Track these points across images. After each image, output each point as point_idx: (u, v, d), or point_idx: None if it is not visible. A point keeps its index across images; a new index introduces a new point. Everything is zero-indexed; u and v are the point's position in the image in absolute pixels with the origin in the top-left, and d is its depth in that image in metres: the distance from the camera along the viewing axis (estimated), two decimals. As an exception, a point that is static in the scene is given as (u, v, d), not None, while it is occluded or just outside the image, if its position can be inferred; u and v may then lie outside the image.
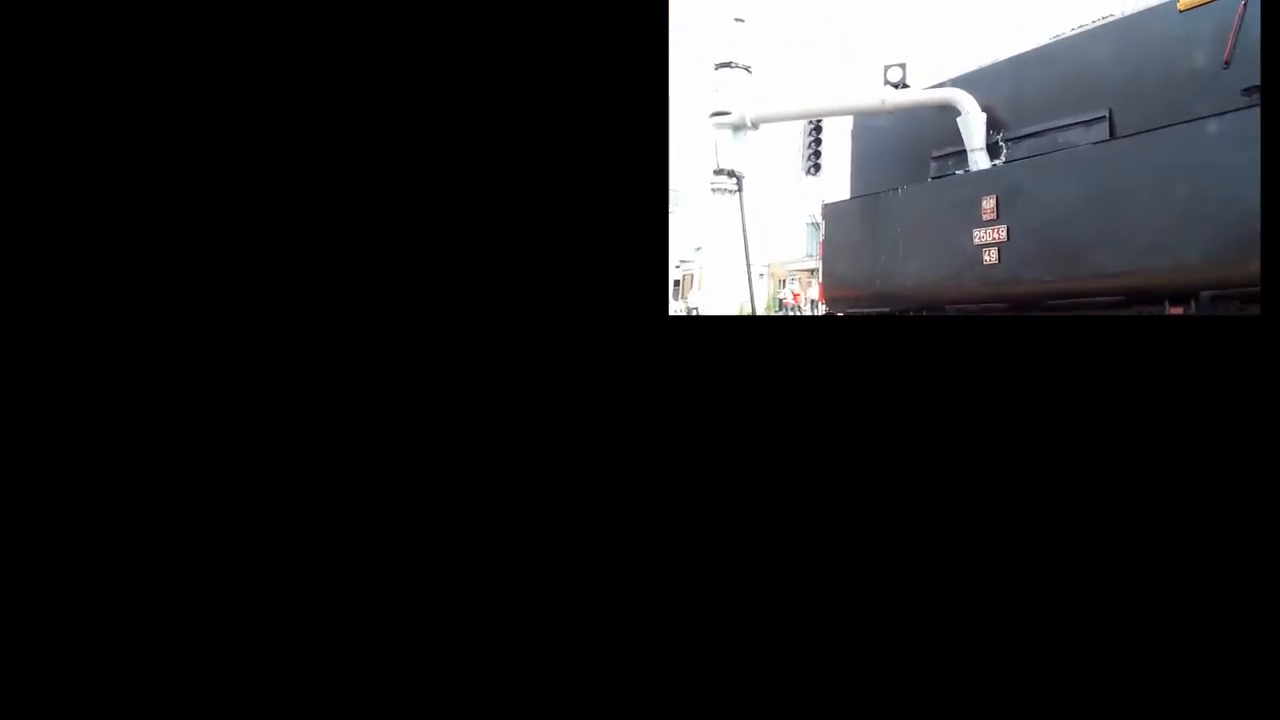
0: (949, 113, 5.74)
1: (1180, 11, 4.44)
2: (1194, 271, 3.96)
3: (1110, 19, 4.99)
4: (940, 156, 5.94)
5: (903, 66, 6.54)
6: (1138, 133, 4.42)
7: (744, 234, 8.44)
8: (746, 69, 8.59)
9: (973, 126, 5.57)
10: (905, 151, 6.34)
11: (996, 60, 5.80)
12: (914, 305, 5.57)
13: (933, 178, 5.94)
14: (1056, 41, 5.35)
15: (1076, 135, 4.98)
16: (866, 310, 5.97)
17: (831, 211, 6.61)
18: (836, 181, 7.49)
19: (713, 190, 8.58)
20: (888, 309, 5.82)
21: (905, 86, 6.51)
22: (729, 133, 8.25)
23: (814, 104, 8.30)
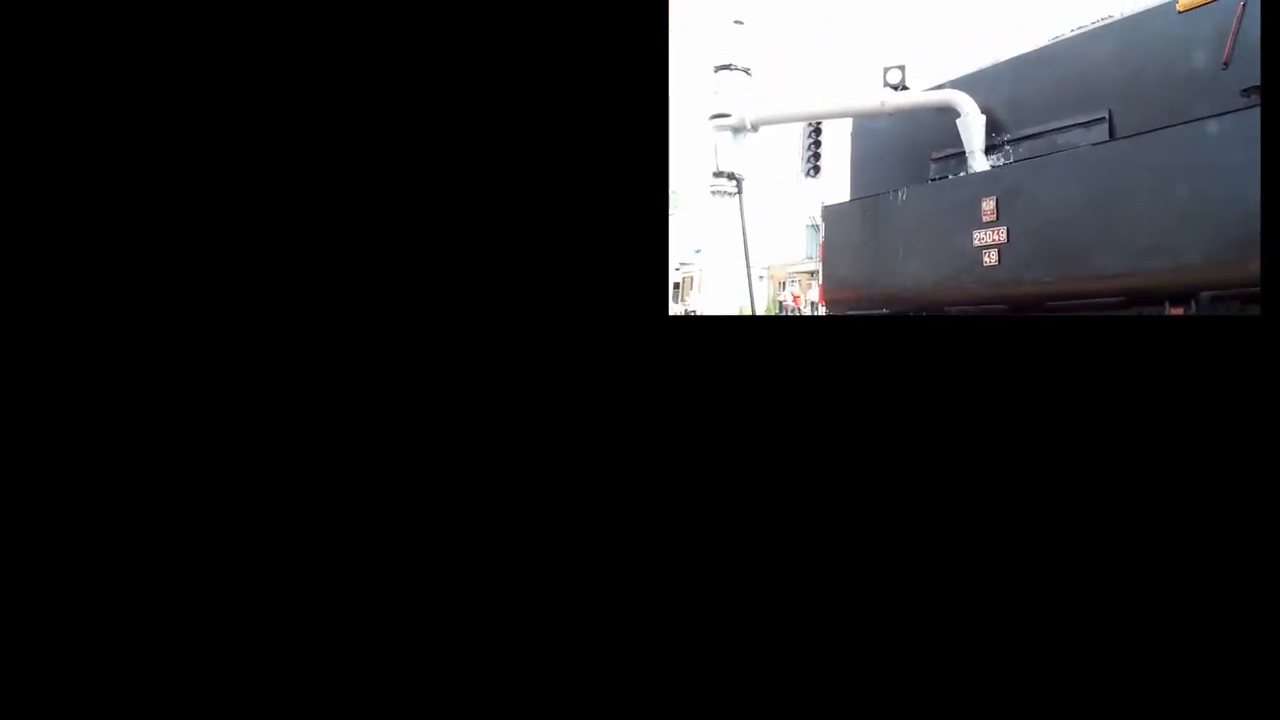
0: (948, 114, 5.75)
1: (1179, 12, 4.44)
2: (1194, 272, 3.96)
3: (1109, 20, 4.99)
4: (940, 158, 5.95)
5: (902, 68, 6.55)
6: (1137, 134, 4.43)
7: (744, 236, 8.43)
8: (746, 71, 8.60)
9: (972, 128, 5.57)
10: (905, 153, 6.34)
11: (996, 62, 5.80)
12: (914, 307, 5.57)
13: (932, 179, 5.94)
14: (1056, 43, 5.35)
15: (1076, 136, 4.98)
16: (867, 312, 5.96)
17: (831, 214, 6.61)
18: (836, 184, 7.50)
19: (712, 193, 8.58)
20: (888, 311, 5.82)
21: (905, 88, 6.51)
22: (729, 135, 8.25)
23: (814, 106, 8.30)
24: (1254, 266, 2.21)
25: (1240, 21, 4.06)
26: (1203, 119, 3.99)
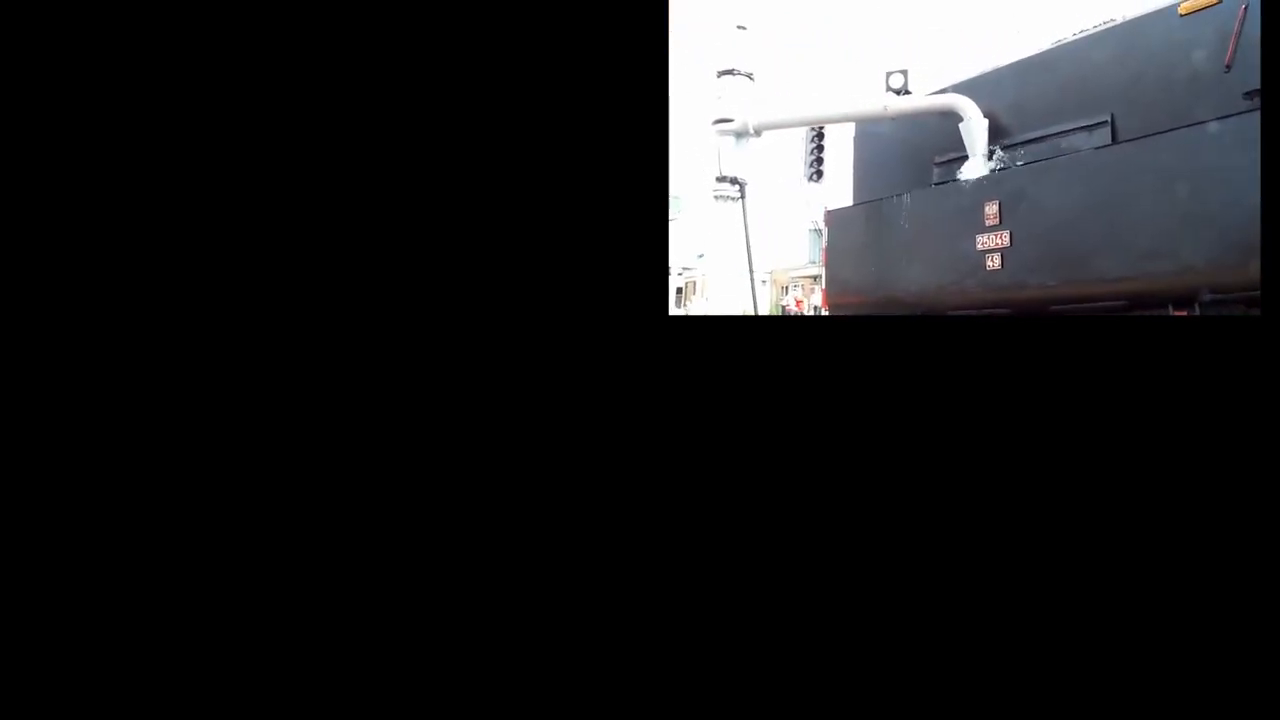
0: (951, 118, 5.75)
1: (1181, 16, 4.44)
2: (1197, 275, 3.95)
3: (1112, 24, 5.00)
4: (943, 162, 5.95)
5: (904, 73, 6.55)
6: (1140, 137, 4.43)
7: (746, 241, 8.43)
8: (749, 76, 8.60)
9: (975, 132, 5.57)
10: (908, 158, 6.35)
11: (998, 66, 5.81)
12: (917, 310, 5.57)
13: (935, 183, 5.94)
14: (1058, 47, 5.35)
15: (1079, 140, 4.98)
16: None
17: (834, 218, 6.62)
18: (839, 188, 7.50)
19: (715, 197, 8.58)
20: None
21: (907, 93, 6.52)
22: (731, 140, 8.25)
23: (817, 110, 8.30)
24: (1257, 269, 2.21)
25: (1242, 24, 4.06)
26: (1205, 122, 4.00)
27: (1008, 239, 4.87)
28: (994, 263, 4.94)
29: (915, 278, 5.60)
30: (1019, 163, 5.33)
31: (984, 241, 4.99)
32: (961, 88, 5.86)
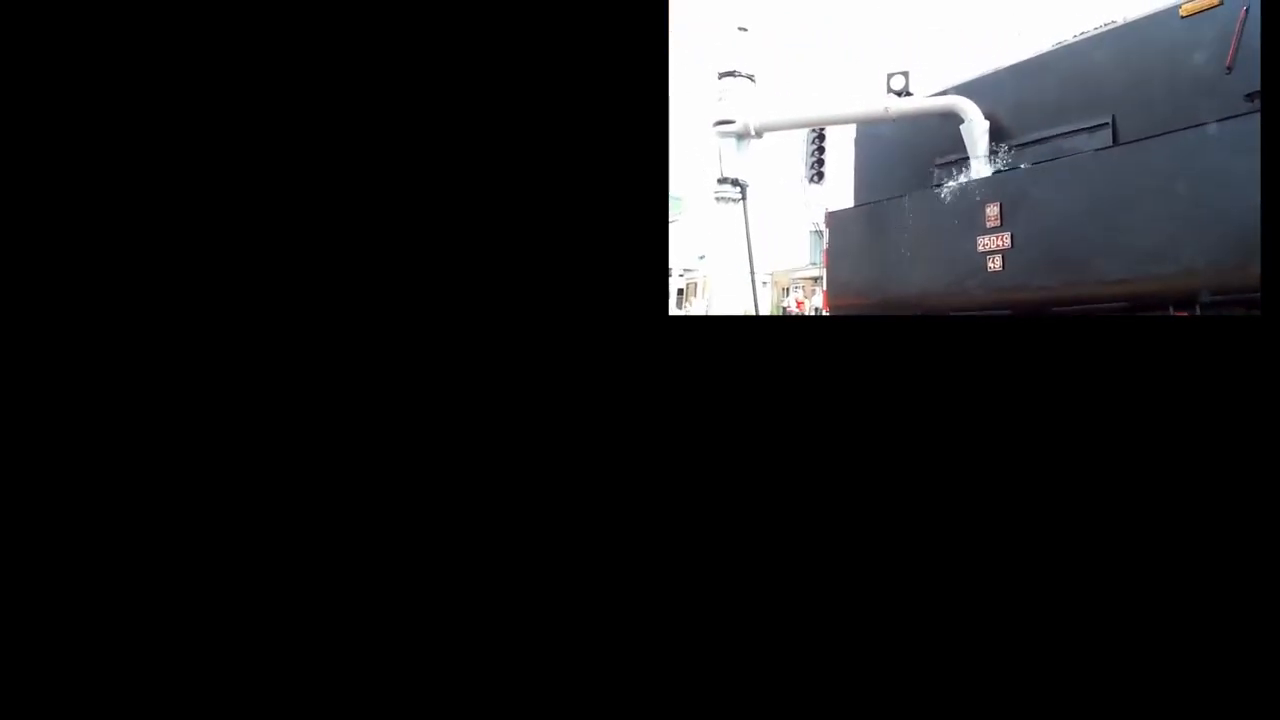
0: (952, 120, 5.75)
1: (1182, 17, 4.44)
2: (1198, 277, 3.95)
3: (1113, 25, 5.00)
4: (944, 164, 5.95)
5: (905, 74, 6.55)
6: (1141, 139, 4.43)
7: (748, 242, 8.44)
8: (750, 78, 8.60)
9: (976, 134, 5.57)
10: (909, 159, 6.35)
11: (1000, 67, 5.81)
12: (918, 312, 5.57)
13: (935, 185, 5.94)
14: (1059, 48, 5.35)
15: (1080, 142, 4.98)
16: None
17: (835, 219, 6.62)
18: (840, 189, 7.50)
19: (716, 199, 8.57)
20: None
21: (908, 94, 6.52)
22: (733, 141, 8.25)
23: (818, 112, 8.30)
24: (1257, 271, 2.21)
25: (1243, 26, 4.06)
26: (1206, 124, 4.00)
27: (1009, 241, 4.87)
28: (995, 264, 4.94)
29: (916, 279, 5.60)
30: (1021, 164, 5.33)
31: (985, 243, 4.99)
32: (963, 89, 5.86)
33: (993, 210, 4.96)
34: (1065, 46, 5.31)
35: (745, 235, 8.41)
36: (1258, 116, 3.39)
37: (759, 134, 8.17)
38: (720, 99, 8.46)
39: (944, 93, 6.04)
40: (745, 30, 8.90)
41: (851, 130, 7.13)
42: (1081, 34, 5.22)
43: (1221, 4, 4.24)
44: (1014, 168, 5.31)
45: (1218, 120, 3.94)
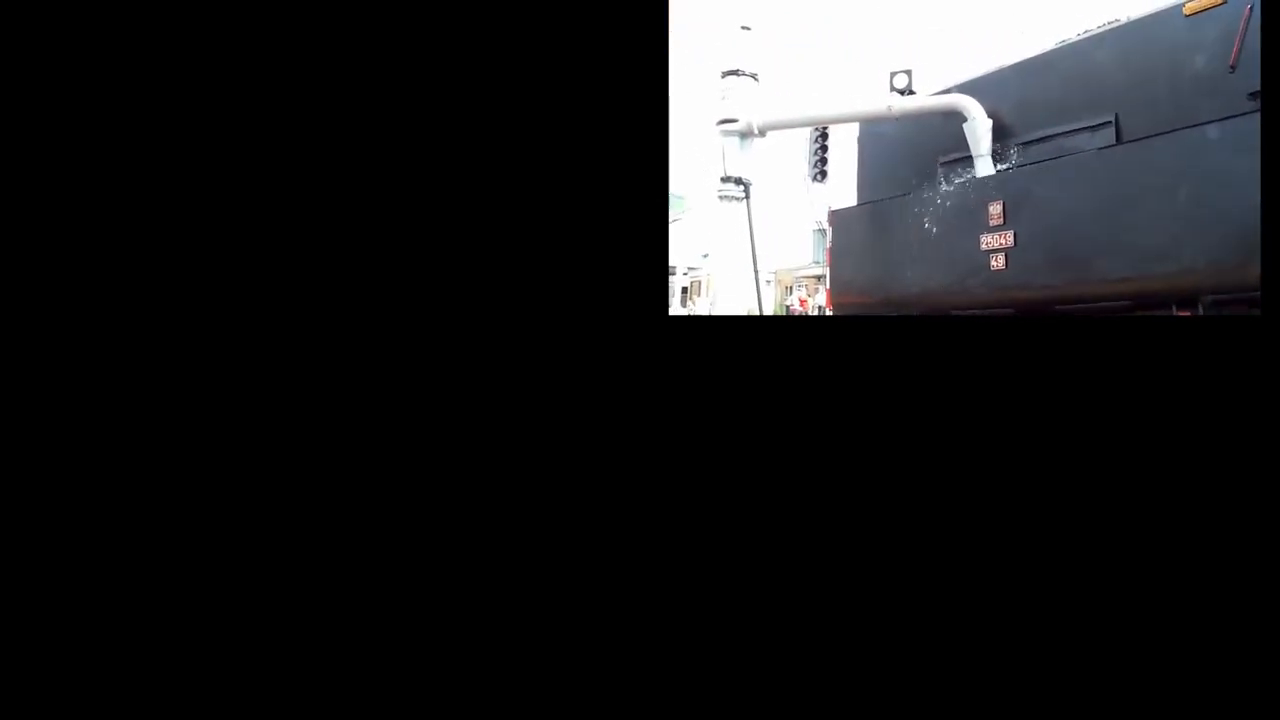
0: (955, 119, 5.75)
1: (1186, 16, 4.44)
2: (1201, 276, 3.95)
3: (1116, 24, 4.99)
4: (947, 163, 5.95)
5: (908, 73, 6.54)
6: (1143, 138, 4.42)
7: (751, 241, 8.44)
8: (753, 77, 8.60)
9: (979, 132, 5.57)
10: (912, 158, 6.34)
11: (1003, 66, 5.80)
12: (921, 310, 5.57)
13: (939, 184, 5.94)
14: (1063, 46, 5.35)
15: (1083, 140, 4.97)
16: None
17: (838, 218, 6.62)
18: (844, 188, 7.50)
19: (720, 198, 8.58)
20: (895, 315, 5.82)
21: (911, 93, 6.51)
22: (736, 140, 8.26)
23: (821, 111, 8.30)
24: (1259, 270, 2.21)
25: (1247, 25, 4.05)
26: (1209, 123, 3.99)
27: (1012, 239, 4.87)
28: (998, 263, 4.94)
29: (919, 277, 5.60)
30: (1025, 163, 5.32)
31: (988, 241, 4.99)
32: (966, 88, 5.86)
33: (996, 209, 4.96)
34: (1068, 45, 5.30)
35: (749, 234, 8.41)
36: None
37: (762, 133, 8.18)
38: (724, 98, 8.46)
39: (947, 91, 6.03)
40: (748, 29, 8.90)
41: (854, 129, 7.12)
42: (1085, 32, 5.21)
43: (1225, 3, 4.23)
44: (1020, 165, 5.31)
45: (1221, 119, 3.93)
